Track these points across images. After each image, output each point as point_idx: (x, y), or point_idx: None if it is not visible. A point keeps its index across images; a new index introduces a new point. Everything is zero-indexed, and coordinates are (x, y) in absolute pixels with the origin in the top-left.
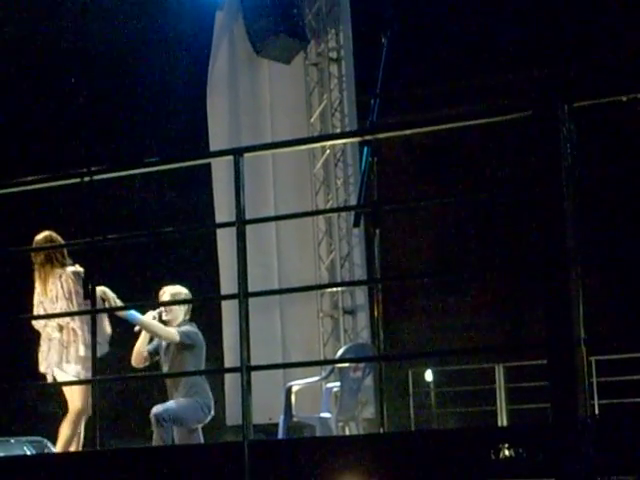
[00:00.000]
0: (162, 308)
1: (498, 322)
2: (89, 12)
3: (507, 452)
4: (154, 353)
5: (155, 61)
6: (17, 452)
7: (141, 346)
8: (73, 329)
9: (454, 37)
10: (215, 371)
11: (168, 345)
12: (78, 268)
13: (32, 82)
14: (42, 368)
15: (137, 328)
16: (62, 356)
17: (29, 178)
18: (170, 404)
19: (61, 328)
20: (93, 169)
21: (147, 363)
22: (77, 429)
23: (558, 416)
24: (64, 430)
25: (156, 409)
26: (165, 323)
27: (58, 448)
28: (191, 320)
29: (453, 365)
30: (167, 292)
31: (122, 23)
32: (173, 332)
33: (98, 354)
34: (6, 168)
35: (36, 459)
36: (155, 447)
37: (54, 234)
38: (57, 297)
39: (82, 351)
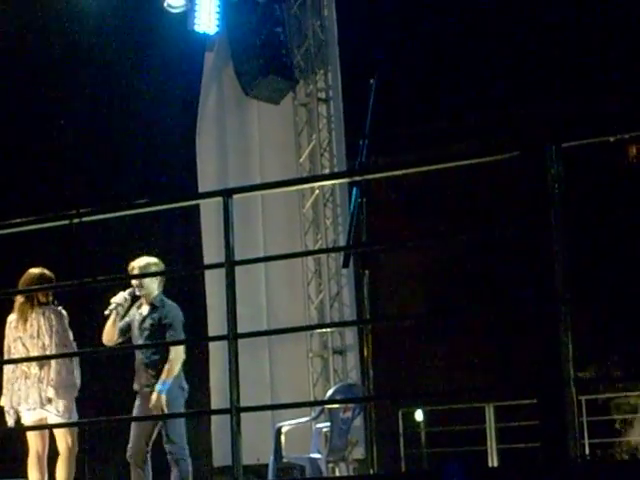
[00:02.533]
0: (134, 285)
1: (488, 362)
2: (74, 53)
3: None
4: (126, 329)
5: (144, 101)
6: None
7: (112, 324)
8: (49, 367)
9: (442, 78)
10: (204, 412)
11: (143, 320)
12: (62, 310)
13: (20, 120)
14: (12, 404)
15: (107, 312)
16: (42, 394)
17: (17, 220)
18: (175, 434)
19: (42, 365)
20: (81, 211)
21: (119, 340)
22: (73, 467)
23: (548, 456)
24: (63, 471)
25: (174, 448)
26: (138, 299)
27: None
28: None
29: (443, 405)
30: (135, 267)
31: (111, 62)
32: (180, 355)
33: (70, 398)
34: None
35: None
36: None
37: (47, 272)
38: (39, 333)
39: (51, 392)
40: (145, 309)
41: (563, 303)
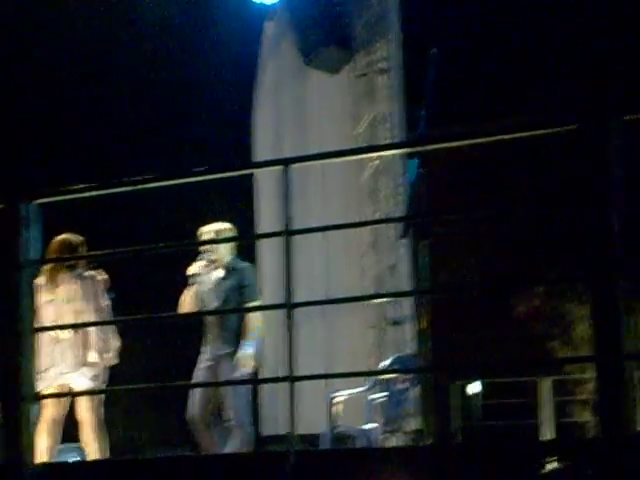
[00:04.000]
0: (206, 250)
1: (547, 335)
2: (136, 23)
3: (555, 466)
4: (204, 296)
5: (203, 71)
6: (67, 457)
7: (194, 294)
8: (87, 331)
9: (503, 48)
10: (261, 381)
11: (218, 284)
12: (98, 274)
13: (80, 90)
14: (52, 372)
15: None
16: (78, 359)
17: (80, 186)
18: (241, 399)
19: (76, 330)
20: (141, 178)
21: (197, 309)
22: (105, 434)
23: (607, 430)
24: (99, 439)
25: (238, 414)
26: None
27: (96, 455)
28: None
29: (500, 377)
30: (209, 232)
31: (171, 32)
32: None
33: (108, 364)
34: (53, 174)
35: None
36: (199, 455)
37: (71, 237)
38: (72, 297)
39: (93, 357)
40: (220, 273)
41: (621, 275)
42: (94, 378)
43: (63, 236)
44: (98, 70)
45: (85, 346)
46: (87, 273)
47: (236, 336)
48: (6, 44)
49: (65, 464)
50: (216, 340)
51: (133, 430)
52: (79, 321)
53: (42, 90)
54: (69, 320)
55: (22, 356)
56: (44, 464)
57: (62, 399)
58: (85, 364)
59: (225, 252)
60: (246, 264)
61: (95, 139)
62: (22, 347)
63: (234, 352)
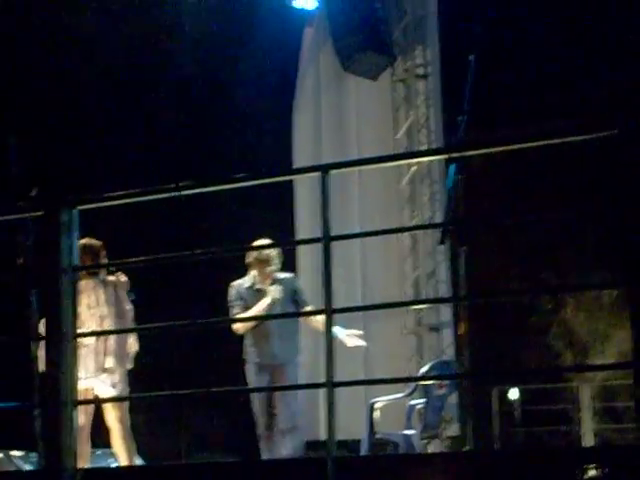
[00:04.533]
0: (271, 265)
1: (585, 341)
2: (175, 28)
3: (592, 473)
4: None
5: (243, 76)
6: (104, 464)
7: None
8: (107, 337)
9: (543, 52)
10: (300, 386)
11: (275, 296)
12: (120, 277)
13: (125, 97)
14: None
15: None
16: (98, 365)
17: (119, 192)
18: (295, 403)
19: (98, 335)
20: (181, 184)
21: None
22: (132, 440)
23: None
24: (126, 444)
25: (292, 418)
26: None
27: (127, 462)
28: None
29: (538, 384)
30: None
31: (211, 37)
32: None
33: (126, 369)
34: (94, 181)
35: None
36: (238, 462)
37: (93, 241)
38: (97, 303)
39: (111, 363)
40: (273, 286)
41: None
42: (114, 385)
43: (84, 241)
44: (139, 75)
45: (105, 352)
46: (110, 278)
47: (295, 343)
48: (51, 51)
49: (105, 469)
50: (276, 348)
51: (173, 435)
52: (104, 327)
53: (84, 98)
54: (93, 326)
55: (63, 361)
56: (85, 469)
57: (87, 406)
58: (104, 370)
59: (277, 266)
60: (291, 274)
61: (135, 145)
62: (63, 352)
63: (295, 358)
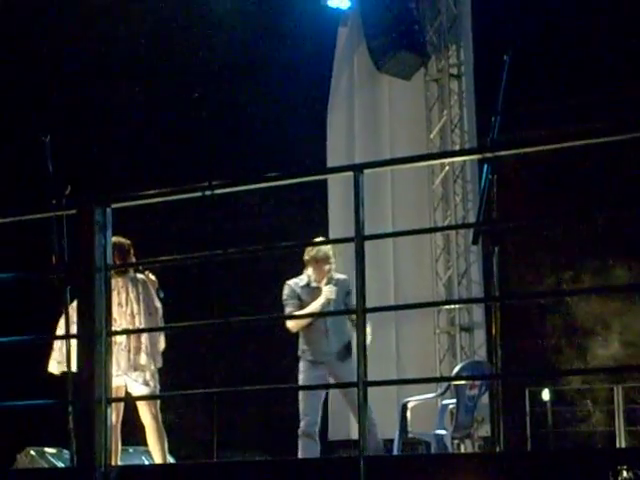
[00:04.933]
0: (329, 265)
1: (618, 342)
2: (209, 29)
3: (626, 474)
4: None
5: (277, 76)
6: (136, 461)
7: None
8: (139, 335)
9: (577, 52)
10: (332, 386)
11: (330, 297)
12: (148, 276)
13: (157, 96)
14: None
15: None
16: (131, 362)
17: (153, 191)
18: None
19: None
20: (214, 183)
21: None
22: (164, 436)
23: None
24: (159, 441)
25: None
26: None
27: (160, 459)
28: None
29: (571, 385)
30: (319, 250)
31: (245, 37)
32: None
33: (156, 367)
34: (127, 180)
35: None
36: (270, 460)
37: (122, 240)
38: (127, 300)
39: (144, 360)
40: (328, 286)
41: None
42: (146, 383)
43: (113, 239)
44: (171, 75)
45: (137, 350)
46: (139, 276)
47: (350, 342)
48: (84, 49)
49: (139, 467)
50: (329, 346)
51: (207, 433)
52: (135, 324)
53: (118, 95)
54: (124, 324)
55: (96, 359)
56: (118, 467)
57: (118, 404)
58: (136, 368)
59: (334, 265)
60: (345, 276)
61: (168, 143)
62: (97, 350)
63: (349, 357)
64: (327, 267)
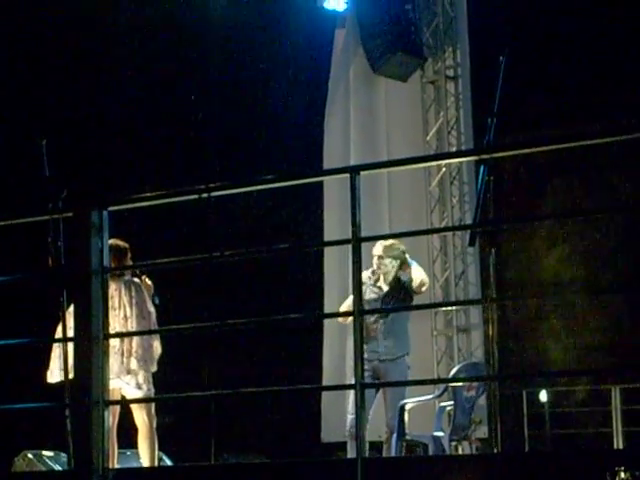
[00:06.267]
0: (374, 266)
1: (616, 343)
2: (207, 31)
3: (624, 475)
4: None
5: (274, 79)
6: (134, 464)
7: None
8: (131, 339)
9: (573, 54)
10: (329, 388)
11: (384, 297)
12: (144, 279)
13: (154, 98)
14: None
15: None
16: (123, 366)
17: (149, 194)
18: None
19: (122, 337)
20: (211, 185)
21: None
22: (156, 440)
23: None
24: (147, 446)
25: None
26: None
27: (149, 463)
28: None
29: (568, 386)
30: (379, 245)
31: (242, 40)
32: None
33: (150, 371)
34: (123, 183)
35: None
36: (269, 462)
37: (119, 242)
38: (120, 304)
39: (134, 364)
40: (383, 286)
41: None
42: (138, 386)
43: (110, 242)
44: (169, 77)
45: (129, 353)
46: (135, 280)
47: (403, 342)
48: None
49: (136, 469)
50: (379, 345)
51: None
52: (127, 328)
53: (116, 98)
54: (117, 327)
55: (93, 361)
56: (116, 469)
57: (113, 407)
58: (129, 371)
59: (391, 267)
60: (405, 272)
61: (163, 146)
62: (93, 352)
63: (401, 357)
64: (387, 263)
